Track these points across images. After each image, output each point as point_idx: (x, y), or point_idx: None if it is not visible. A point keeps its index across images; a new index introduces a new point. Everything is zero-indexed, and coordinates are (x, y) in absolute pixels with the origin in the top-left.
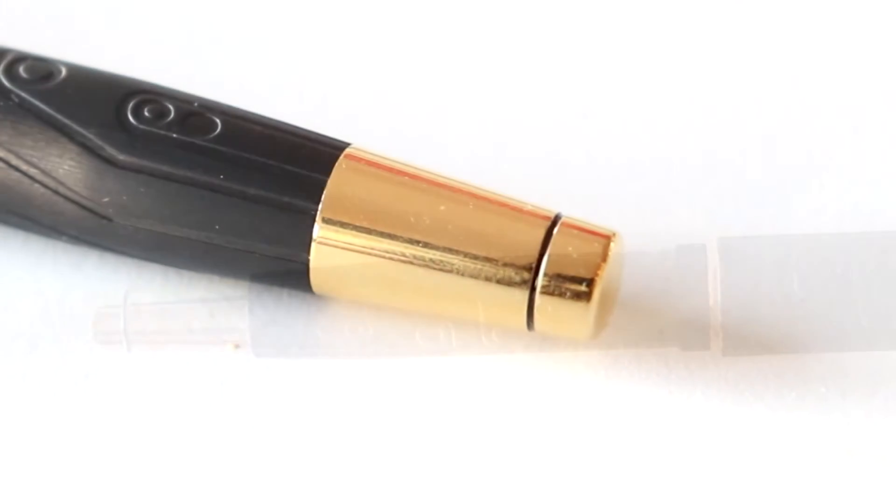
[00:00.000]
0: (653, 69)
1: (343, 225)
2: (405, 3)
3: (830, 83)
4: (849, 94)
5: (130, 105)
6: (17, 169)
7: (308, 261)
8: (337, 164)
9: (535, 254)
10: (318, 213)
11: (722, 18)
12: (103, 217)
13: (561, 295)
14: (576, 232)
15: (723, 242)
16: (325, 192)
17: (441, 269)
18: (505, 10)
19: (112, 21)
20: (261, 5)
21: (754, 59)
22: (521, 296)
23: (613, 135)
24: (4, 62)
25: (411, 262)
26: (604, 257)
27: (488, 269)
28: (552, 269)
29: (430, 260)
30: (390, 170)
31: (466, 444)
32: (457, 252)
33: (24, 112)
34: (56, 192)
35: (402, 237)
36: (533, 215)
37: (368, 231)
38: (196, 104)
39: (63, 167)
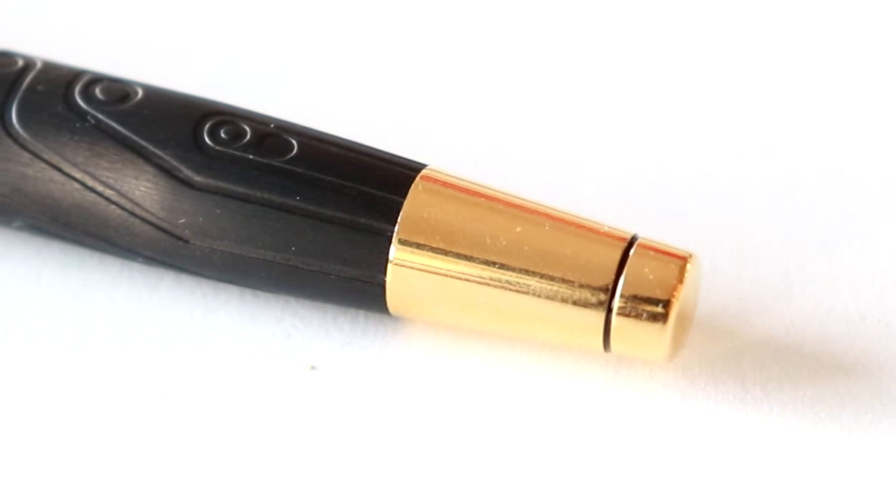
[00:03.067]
0: (730, 92)
1: (419, 246)
2: (480, 30)
3: None
4: None
5: (207, 126)
6: (93, 190)
7: (384, 282)
8: (413, 185)
9: (612, 275)
10: (395, 234)
11: (798, 45)
12: (179, 238)
13: (637, 316)
14: (652, 253)
15: (798, 262)
16: (401, 213)
17: (517, 291)
18: (579, 34)
19: (188, 43)
20: (337, 28)
21: (834, 83)
22: (598, 317)
23: (690, 156)
24: (80, 83)
25: (487, 284)
26: (680, 279)
27: (564, 290)
28: (629, 290)
29: (507, 281)
30: (466, 191)
31: (543, 466)
32: (533, 273)
33: (101, 133)
34: (132, 213)
35: (478, 258)
36: (609, 237)
37: (445, 252)
38: (272, 125)
39: (139, 188)
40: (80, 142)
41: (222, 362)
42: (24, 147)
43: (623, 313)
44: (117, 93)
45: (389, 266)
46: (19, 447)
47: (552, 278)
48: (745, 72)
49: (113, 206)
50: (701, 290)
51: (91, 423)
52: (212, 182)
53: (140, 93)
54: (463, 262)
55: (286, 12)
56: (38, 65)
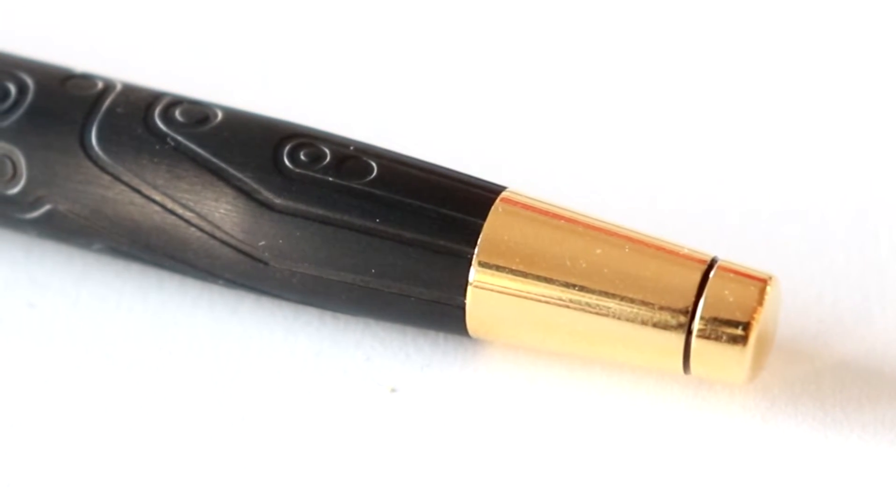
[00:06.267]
0: (811, 115)
1: (499, 268)
2: (559, 54)
3: None
4: None
5: (286, 149)
6: (173, 213)
7: (464, 304)
8: (493, 207)
9: (692, 297)
10: (475, 256)
11: (878, 67)
12: (259, 261)
13: (717, 339)
14: (732, 275)
15: (879, 283)
16: (481, 235)
17: (597, 313)
18: (663, 58)
19: (267, 65)
20: (417, 52)
21: None
22: (678, 339)
23: (770, 178)
24: (160, 106)
25: (567, 306)
26: (760, 301)
27: (644, 312)
28: (708, 312)
29: (587, 303)
30: (546, 213)
31: (625, 488)
32: (613, 295)
33: (180, 156)
34: (212, 235)
35: (558, 281)
36: (689, 259)
37: (524, 275)
38: (352, 147)
39: (219, 211)
40: (160, 164)
41: (303, 385)
42: (104, 170)
43: (703, 336)
44: (197, 115)
45: (469, 288)
46: (100, 468)
47: (632, 300)
48: (826, 94)
49: (193, 229)
50: (781, 312)
51: (171, 445)
52: (291, 204)
53: (220, 115)
54: (543, 285)
55: (365, 37)
56: (118, 87)
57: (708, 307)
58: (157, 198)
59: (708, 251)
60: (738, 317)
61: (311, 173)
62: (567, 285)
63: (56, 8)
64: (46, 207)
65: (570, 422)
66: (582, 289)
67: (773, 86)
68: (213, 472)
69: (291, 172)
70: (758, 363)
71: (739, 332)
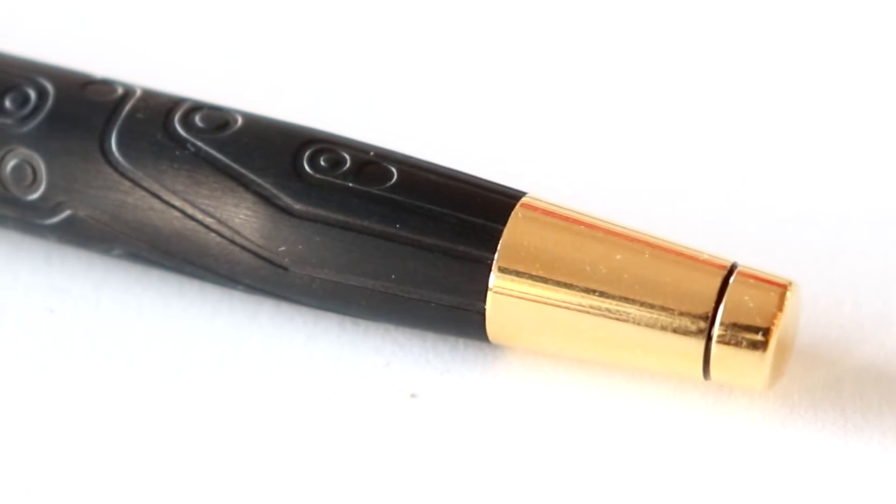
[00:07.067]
0: (831, 121)
1: (519, 274)
2: (578, 60)
3: None
4: None
5: (306, 154)
6: (192, 218)
7: (484, 310)
8: (513, 213)
9: (712, 303)
10: (495, 262)
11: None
12: (279, 266)
13: (737, 344)
14: (752, 281)
15: None
16: (501, 241)
17: (617, 319)
18: (681, 65)
19: (287, 71)
20: (436, 57)
21: None
22: (697, 345)
23: (790, 183)
24: (180, 111)
25: (587, 312)
26: (780, 307)
27: (664, 318)
28: (728, 318)
29: (606, 309)
30: (566, 219)
31: (644, 494)
32: (633, 301)
33: (200, 161)
34: (232, 241)
35: (578, 286)
36: (709, 264)
37: (544, 280)
38: (372, 153)
39: (239, 216)
40: (180, 170)
41: (322, 390)
42: (123, 175)
43: (723, 341)
44: (217, 121)
45: (489, 294)
46: (120, 473)
47: (652, 306)
48: (847, 99)
49: (212, 235)
50: (801, 318)
51: (191, 450)
52: (311, 210)
53: (239, 120)
54: (563, 290)
55: (384, 41)
56: (138, 93)
57: (728, 313)
58: (177, 203)
59: (728, 256)
60: (759, 322)
61: (330, 179)
62: (587, 291)
63: (75, 13)
64: (66, 213)
65: (589, 427)
66: (602, 294)
67: (793, 91)
68: (233, 478)
69: (311, 178)
70: (778, 369)
71: (759, 337)
